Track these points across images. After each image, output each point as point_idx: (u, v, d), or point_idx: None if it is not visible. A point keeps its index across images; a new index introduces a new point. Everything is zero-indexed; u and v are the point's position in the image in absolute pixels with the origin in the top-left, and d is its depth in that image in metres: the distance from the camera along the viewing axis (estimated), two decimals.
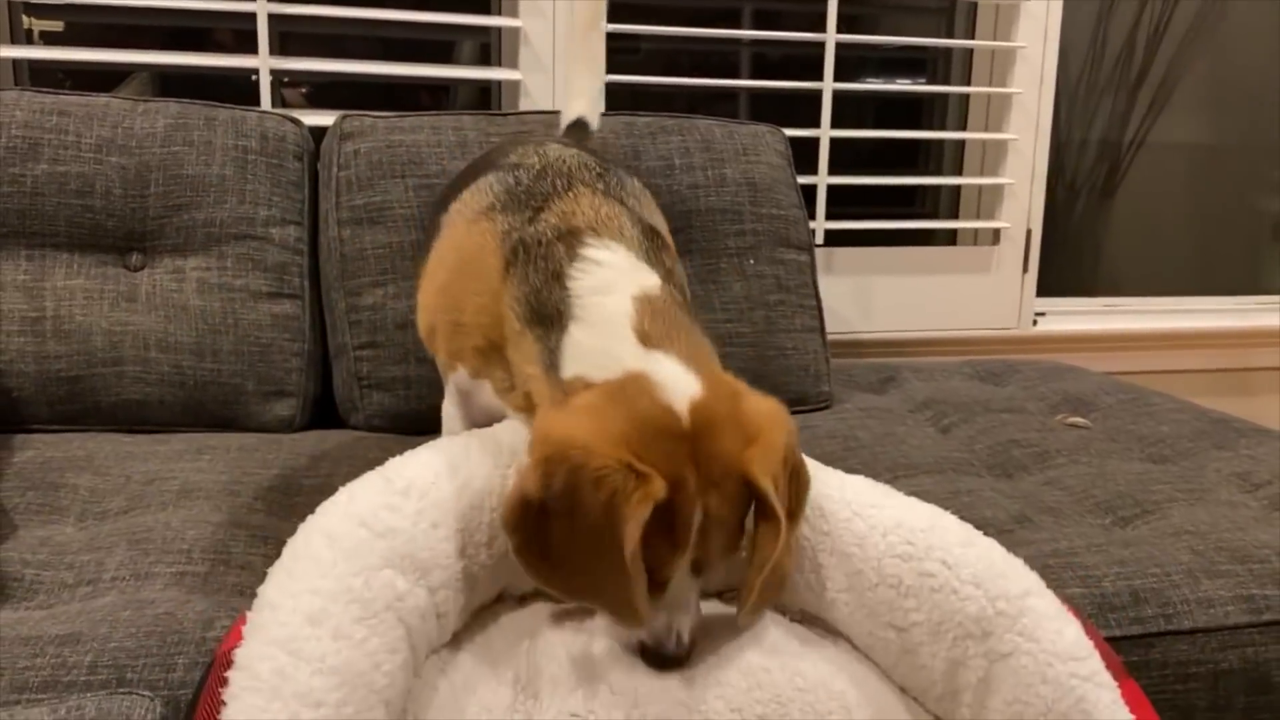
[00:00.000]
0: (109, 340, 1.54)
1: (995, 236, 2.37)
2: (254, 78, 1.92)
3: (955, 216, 2.50)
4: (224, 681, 0.79)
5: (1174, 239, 2.91)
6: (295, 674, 0.77)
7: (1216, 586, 1.15)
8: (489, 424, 1.06)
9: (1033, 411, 1.77)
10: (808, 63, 2.20)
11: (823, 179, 2.19)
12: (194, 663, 0.94)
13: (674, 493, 0.82)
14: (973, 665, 0.90)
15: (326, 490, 0.91)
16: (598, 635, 0.92)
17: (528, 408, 0.98)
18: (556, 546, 0.83)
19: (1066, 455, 1.54)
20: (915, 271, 2.32)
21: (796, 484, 0.91)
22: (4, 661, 0.91)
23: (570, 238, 0.98)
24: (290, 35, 1.97)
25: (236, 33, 2.08)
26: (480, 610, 0.96)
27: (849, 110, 2.25)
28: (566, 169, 1.11)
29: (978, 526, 0.96)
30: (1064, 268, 2.66)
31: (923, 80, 2.60)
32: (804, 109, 2.19)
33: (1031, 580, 0.94)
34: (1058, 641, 0.90)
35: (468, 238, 1.09)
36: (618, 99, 2.08)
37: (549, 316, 0.94)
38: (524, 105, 2.03)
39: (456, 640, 0.92)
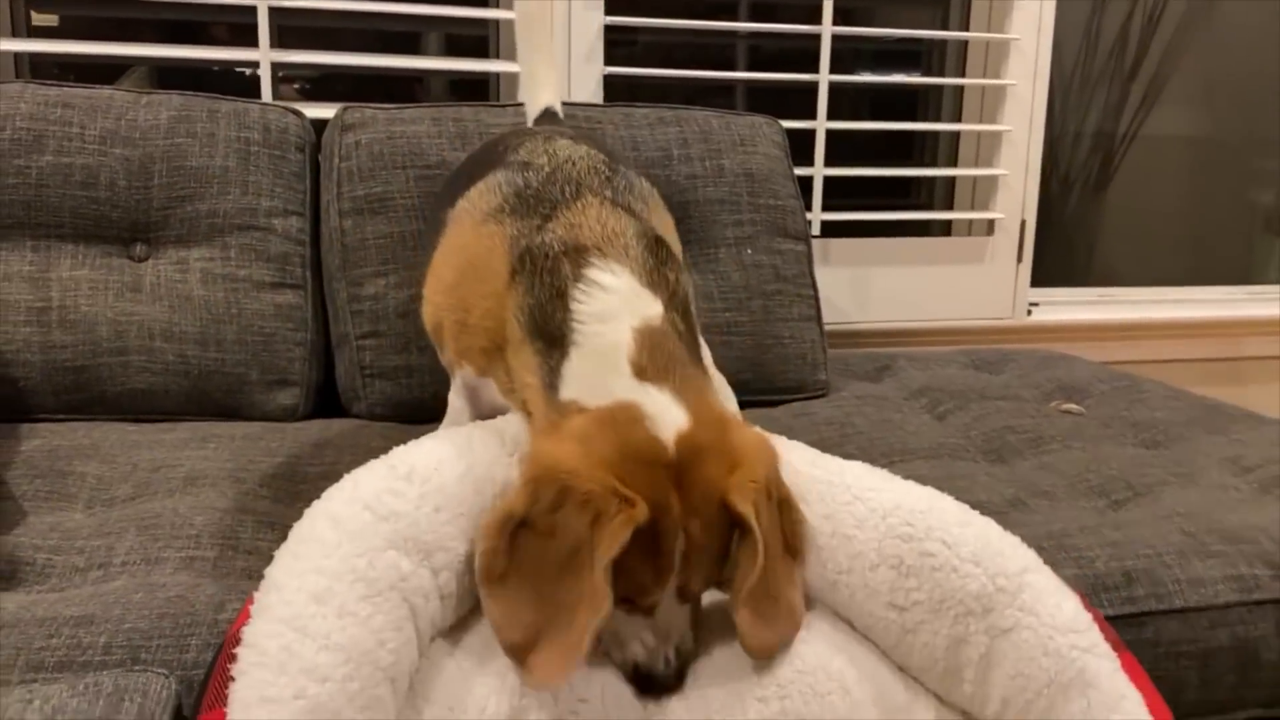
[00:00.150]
0: (114, 330, 1.55)
1: (990, 227, 2.39)
2: (248, 73, 1.94)
3: (950, 208, 2.52)
4: (233, 659, 0.80)
5: (1167, 230, 2.93)
6: (302, 650, 0.78)
7: (1207, 566, 1.18)
8: (493, 417, 1.08)
9: (1027, 399, 1.79)
10: (803, 57, 2.22)
11: (819, 170, 2.21)
12: (206, 644, 0.96)
13: (657, 518, 0.84)
14: (974, 641, 0.92)
15: (331, 477, 0.92)
16: None
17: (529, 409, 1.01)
18: (525, 564, 0.85)
19: (1060, 441, 1.56)
20: (910, 262, 2.34)
21: (790, 518, 0.94)
22: (20, 642, 0.93)
23: (576, 255, 0.99)
24: (284, 29, 1.98)
25: (231, 27, 2.09)
26: None
27: (844, 103, 2.27)
28: (576, 173, 1.12)
29: (972, 509, 0.98)
30: (1058, 259, 2.68)
31: (918, 73, 2.62)
32: (800, 103, 2.20)
33: (1029, 557, 0.96)
34: (1057, 615, 0.92)
35: (476, 240, 1.11)
36: (615, 92, 2.10)
37: (551, 335, 0.96)
38: (520, 98, 2.04)
39: (464, 623, 0.93)
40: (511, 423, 1.02)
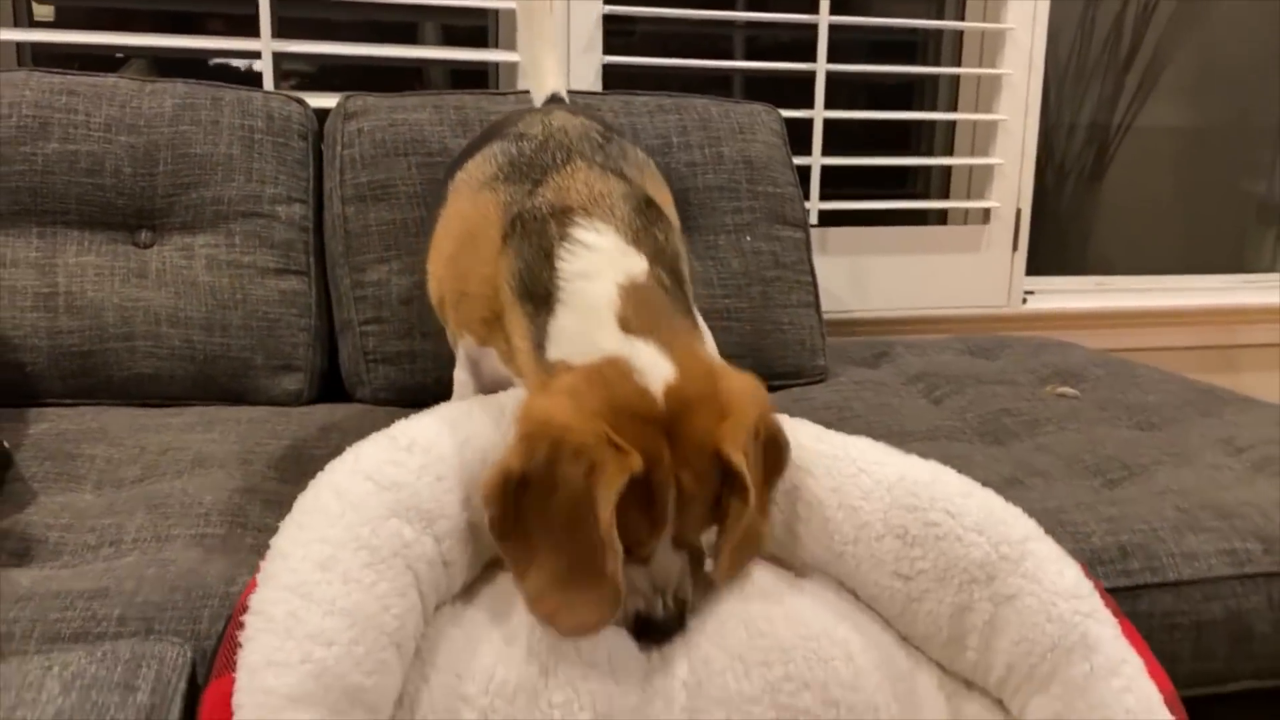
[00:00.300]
0: (120, 316, 1.57)
1: (985, 216, 2.41)
2: (244, 68, 1.95)
3: (946, 197, 2.54)
4: (241, 626, 0.82)
5: (1161, 220, 2.95)
6: (307, 616, 0.80)
7: (1200, 541, 1.20)
8: (499, 391, 1.10)
9: (1023, 383, 1.81)
10: (800, 49, 2.24)
11: (816, 159, 2.23)
12: (218, 615, 0.98)
13: (650, 470, 0.86)
14: (979, 609, 0.94)
15: (332, 460, 0.94)
16: None
17: None
18: (533, 521, 0.87)
19: (1056, 423, 1.58)
20: (907, 251, 2.36)
21: (774, 448, 0.95)
22: (35, 614, 0.95)
23: (562, 216, 1.01)
24: (282, 21, 1.99)
25: (227, 19, 2.10)
26: (492, 563, 1.00)
27: (840, 95, 2.29)
28: (567, 140, 1.13)
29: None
30: (1053, 248, 2.70)
31: (913, 64, 2.64)
32: (797, 94, 2.22)
33: (1031, 526, 0.98)
34: (1059, 581, 0.94)
35: (473, 209, 1.13)
36: (613, 81, 2.11)
37: (539, 295, 0.98)
38: (521, 86, 2.06)
39: (470, 592, 0.95)
40: (513, 396, 1.04)
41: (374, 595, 0.83)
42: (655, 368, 0.90)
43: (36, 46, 1.99)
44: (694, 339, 0.96)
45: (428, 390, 1.59)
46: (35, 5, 2.03)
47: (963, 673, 0.98)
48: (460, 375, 1.25)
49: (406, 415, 1.04)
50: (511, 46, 2.08)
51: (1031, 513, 1.20)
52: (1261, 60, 2.84)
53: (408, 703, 0.85)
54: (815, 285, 1.90)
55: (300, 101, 1.74)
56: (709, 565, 0.98)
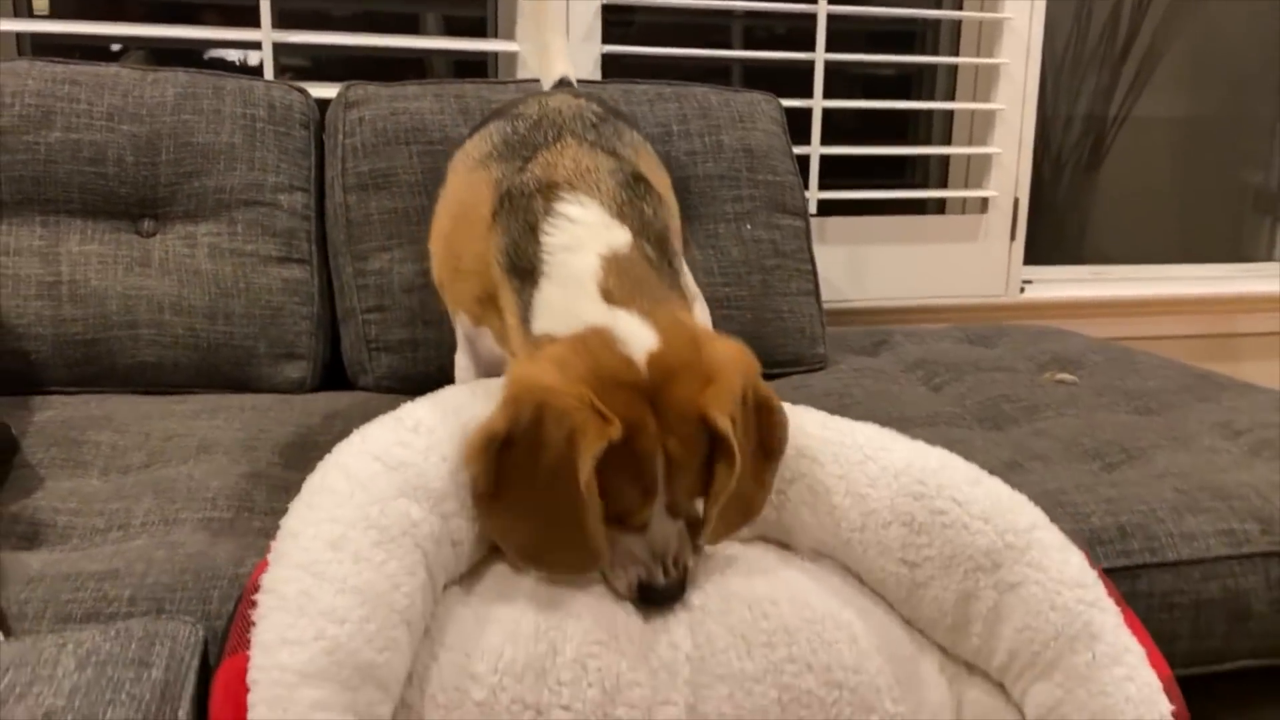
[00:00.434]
0: (124, 304, 1.57)
1: (984, 205, 2.42)
2: (239, 62, 1.95)
3: (944, 187, 2.55)
4: (253, 606, 0.83)
5: (1158, 210, 2.97)
6: (319, 594, 0.81)
7: (1199, 522, 1.21)
8: (499, 375, 1.11)
9: (1021, 370, 1.82)
10: (798, 41, 2.24)
11: (815, 149, 2.23)
12: (228, 596, 0.99)
13: (634, 437, 0.87)
14: (983, 596, 0.95)
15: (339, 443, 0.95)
16: None
17: None
18: (516, 481, 0.88)
19: (1055, 409, 1.59)
20: (905, 240, 2.37)
21: (769, 421, 0.95)
22: (47, 595, 0.96)
23: (548, 191, 1.02)
24: (281, 13, 1.99)
25: (222, 10, 2.11)
26: None
27: (838, 87, 2.29)
28: (560, 119, 1.14)
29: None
30: (1051, 238, 2.71)
31: (911, 54, 2.64)
32: (795, 84, 2.22)
33: (1037, 514, 0.99)
34: (1064, 570, 0.95)
35: (467, 186, 1.14)
36: (611, 72, 2.12)
37: (524, 270, 0.99)
38: (520, 75, 2.07)
39: (478, 571, 0.96)
40: None
41: (384, 574, 0.84)
42: (638, 336, 0.91)
43: (36, 38, 1.99)
44: (679, 308, 0.97)
45: (430, 378, 1.59)
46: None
47: (965, 657, 1.00)
48: (461, 360, 1.26)
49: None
50: (511, 36, 2.08)
51: (1032, 495, 1.22)
52: (1257, 50, 2.85)
53: (417, 680, 0.86)
54: (815, 274, 1.91)
55: (302, 91, 1.75)
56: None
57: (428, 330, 1.65)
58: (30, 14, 2.02)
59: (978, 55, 2.42)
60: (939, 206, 2.54)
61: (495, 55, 2.19)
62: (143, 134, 1.62)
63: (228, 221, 1.64)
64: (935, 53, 2.55)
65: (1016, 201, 2.42)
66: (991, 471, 1.32)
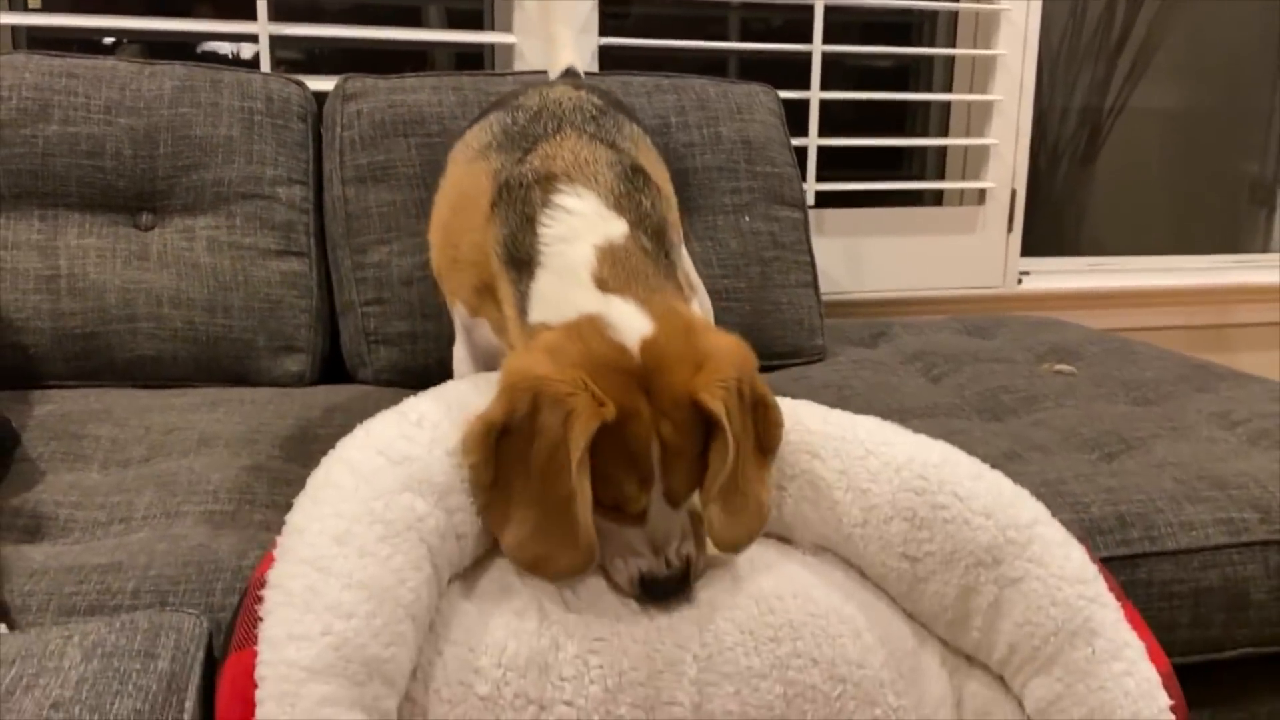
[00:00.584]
0: (122, 297, 1.57)
1: (981, 197, 2.42)
2: (232, 56, 1.94)
3: (941, 178, 2.55)
4: (259, 600, 0.83)
5: (1154, 201, 2.97)
6: (325, 589, 0.81)
7: (1198, 511, 1.22)
8: (496, 368, 1.11)
9: (1020, 361, 1.83)
10: (794, 33, 2.24)
11: (813, 140, 2.23)
12: (231, 588, 0.99)
13: (628, 421, 0.87)
14: (984, 591, 0.96)
15: (342, 438, 0.95)
16: None
17: None
18: (513, 471, 0.89)
19: (1053, 399, 1.60)
20: (903, 232, 2.37)
21: (765, 418, 0.96)
22: (50, 588, 0.96)
23: (546, 182, 1.02)
24: (277, 7, 1.99)
25: (216, 3, 2.10)
26: None
27: (835, 77, 2.29)
28: (561, 111, 1.14)
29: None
30: (1048, 230, 2.71)
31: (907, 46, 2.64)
32: (792, 76, 2.22)
33: (1038, 509, 0.99)
34: (1065, 566, 0.95)
35: (466, 176, 1.14)
36: (608, 65, 2.11)
37: (522, 261, 0.99)
38: (517, 68, 2.06)
39: (481, 565, 0.96)
40: None
41: (390, 568, 0.84)
42: (631, 323, 0.91)
43: (31, 31, 1.98)
44: (675, 298, 0.97)
45: (429, 371, 1.60)
46: None
47: (966, 651, 1.00)
48: (459, 352, 1.26)
49: (408, 397, 1.05)
50: (508, 28, 2.08)
51: (1031, 485, 1.22)
52: (1253, 41, 2.85)
53: (422, 675, 0.86)
54: (813, 265, 1.91)
55: (299, 83, 1.74)
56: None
57: (427, 323, 1.65)
58: (25, 8, 2.01)
59: (975, 47, 2.42)
60: (936, 198, 2.54)
61: (492, 47, 2.19)
62: (140, 127, 1.62)
63: (226, 215, 1.64)
64: (932, 44, 2.55)
65: (1014, 193, 2.42)
66: (991, 462, 1.33)
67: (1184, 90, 2.89)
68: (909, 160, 2.64)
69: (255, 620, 0.83)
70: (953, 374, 1.75)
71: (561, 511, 0.87)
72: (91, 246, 1.58)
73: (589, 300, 0.93)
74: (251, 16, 1.89)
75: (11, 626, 0.92)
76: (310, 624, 0.80)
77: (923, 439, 1.03)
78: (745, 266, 1.82)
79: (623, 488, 0.90)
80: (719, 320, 1.67)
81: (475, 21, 2.23)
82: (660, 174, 1.21)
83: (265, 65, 1.91)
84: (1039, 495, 1.01)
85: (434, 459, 0.92)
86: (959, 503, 0.97)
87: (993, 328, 2.05)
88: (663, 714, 0.88)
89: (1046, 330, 2.00)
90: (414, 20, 2.27)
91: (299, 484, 0.92)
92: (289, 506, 0.90)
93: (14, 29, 1.94)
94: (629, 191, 1.04)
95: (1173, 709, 0.93)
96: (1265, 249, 2.94)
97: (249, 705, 0.77)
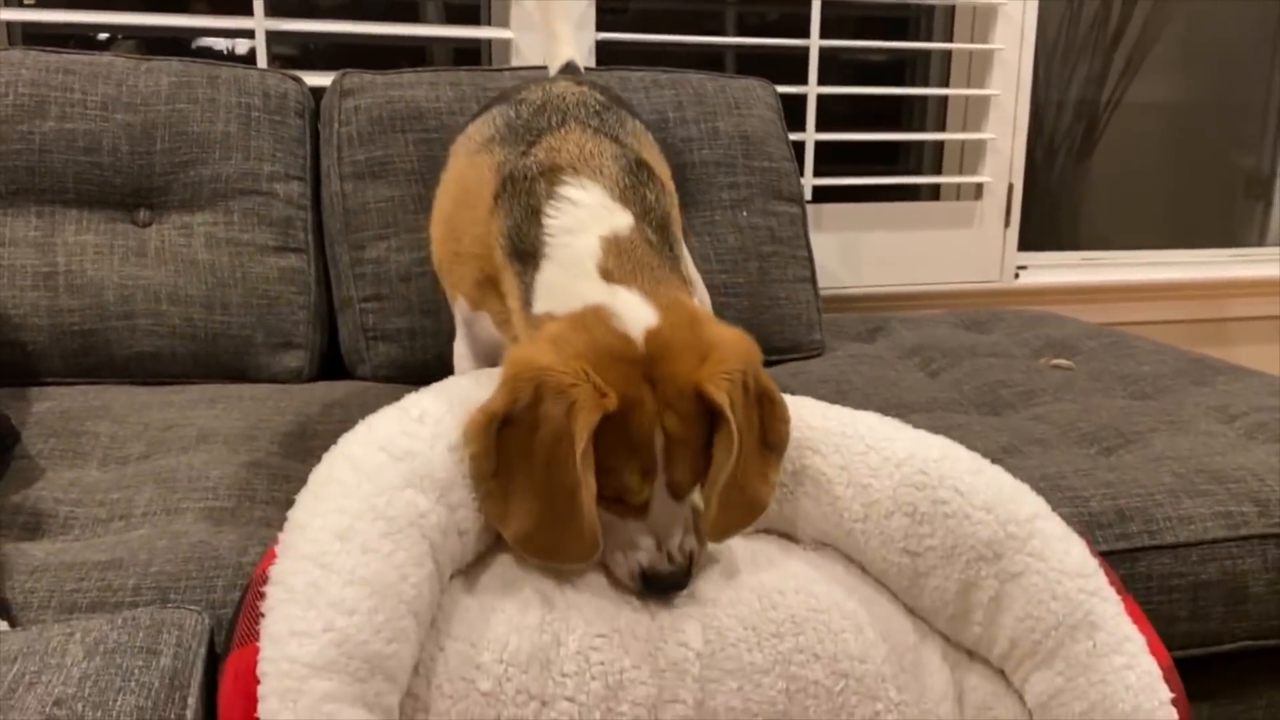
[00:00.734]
0: (120, 294, 1.57)
1: (978, 191, 2.42)
2: (227, 50, 1.93)
3: (938, 173, 2.55)
4: (261, 596, 0.83)
5: (1151, 195, 2.97)
6: (328, 585, 0.81)
7: (1196, 505, 1.22)
8: (497, 363, 1.10)
9: (1018, 355, 1.83)
10: (790, 28, 2.24)
11: (810, 135, 2.23)
12: (232, 584, 0.99)
13: (631, 411, 0.87)
14: (985, 586, 0.96)
15: (341, 434, 0.95)
16: None
17: None
18: (515, 461, 0.88)
19: (1051, 394, 1.60)
20: (900, 226, 2.37)
21: (771, 413, 0.95)
22: (51, 585, 0.96)
23: (551, 174, 1.02)
24: (274, 3, 1.99)
25: (212, 0, 2.10)
26: None
27: (830, 74, 2.29)
28: (564, 105, 1.14)
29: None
30: (1044, 224, 2.71)
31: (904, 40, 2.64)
32: (789, 72, 2.22)
33: (1039, 504, 1.00)
34: (1065, 560, 0.96)
35: (469, 169, 1.14)
36: (606, 60, 2.11)
37: (527, 253, 0.99)
38: (514, 63, 2.06)
39: (483, 561, 0.96)
40: None
41: (392, 564, 0.84)
42: (636, 313, 0.91)
43: (27, 28, 1.98)
44: (679, 289, 0.97)
45: (428, 367, 1.60)
46: None
47: (966, 645, 1.00)
48: (460, 347, 1.26)
49: (408, 392, 1.05)
50: (505, 23, 2.07)
51: (1030, 479, 1.22)
52: (1249, 35, 2.86)
53: (424, 671, 0.86)
54: (811, 260, 1.91)
55: (297, 79, 1.74)
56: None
57: (425, 319, 1.65)
58: (20, 4, 2.00)
59: (972, 41, 2.41)
60: (933, 193, 2.54)
61: (489, 43, 2.18)
62: (137, 123, 1.61)
63: (224, 211, 1.63)
64: (929, 39, 2.55)
65: (1011, 187, 2.42)
66: (989, 456, 1.33)
67: (1180, 84, 2.90)
68: (906, 155, 2.64)
69: (257, 616, 0.83)
70: (951, 369, 1.76)
71: (565, 502, 0.87)
72: (89, 243, 1.58)
73: (594, 291, 0.93)
74: (248, 12, 1.88)
75: (13, 624, 0.92)
76: (312, 620, 0.80)
77: (923, 434, 1.03)
78: (743, 261, 1.82)
79: (625, 479, 0.90)
80: (718, 315, 1.67)
81: (472, 17, 2.22)
82: (663, 169, 1.21)
83: (261, 61, 1.91)
84: (1038, 489, 1.02)
85: (436, 455, 0.91)
86: (959, 498, 0.97)
87: (990, 322, 2.06)
88: (666, 713, 0.88)
89: (1044, 324, 2.01)
90: (411, 16, 2.27)
91: (298, 480, 0.91)
92: (289, 502, 0.90)
93: (9, 25, 1.93)
94: (634, 185, 1.04)
95: (1173, 702, 0.93)
96: (1261, 243, 2.94)
97: (251, 701, 0.77)
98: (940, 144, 2.54)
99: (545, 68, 1.76)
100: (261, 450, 1.30)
